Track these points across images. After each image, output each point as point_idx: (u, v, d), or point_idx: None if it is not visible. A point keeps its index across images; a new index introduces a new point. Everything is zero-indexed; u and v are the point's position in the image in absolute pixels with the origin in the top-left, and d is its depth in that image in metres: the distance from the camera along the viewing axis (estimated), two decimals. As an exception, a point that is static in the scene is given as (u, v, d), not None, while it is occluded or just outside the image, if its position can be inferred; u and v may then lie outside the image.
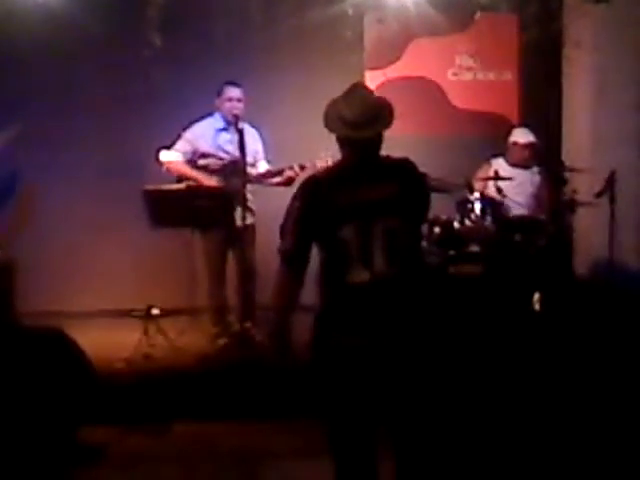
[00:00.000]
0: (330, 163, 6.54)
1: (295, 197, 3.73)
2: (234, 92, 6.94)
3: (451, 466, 4.72)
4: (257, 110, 7.15)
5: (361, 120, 3.65)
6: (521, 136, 7.80)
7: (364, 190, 3.64)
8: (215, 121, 7.03)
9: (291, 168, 6.82)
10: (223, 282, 7.04)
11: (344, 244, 3.61)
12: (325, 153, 6.47)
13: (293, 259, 3.72)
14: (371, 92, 3.82)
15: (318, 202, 3.66)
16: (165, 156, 6.98)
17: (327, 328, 3.67)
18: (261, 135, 7.19)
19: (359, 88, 3.83)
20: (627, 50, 7.93)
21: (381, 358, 3.59)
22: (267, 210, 6.44)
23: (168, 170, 6.95)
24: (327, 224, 3.64)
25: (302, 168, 6.75)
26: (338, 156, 3.82)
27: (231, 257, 6.99)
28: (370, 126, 3.68)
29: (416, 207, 3.79)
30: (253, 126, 7.12)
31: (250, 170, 6.86)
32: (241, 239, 6.81)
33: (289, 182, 6.77)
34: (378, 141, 3.74)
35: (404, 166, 3.80)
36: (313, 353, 3.71)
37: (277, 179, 6.95)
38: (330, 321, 3.67)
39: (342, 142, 3.75)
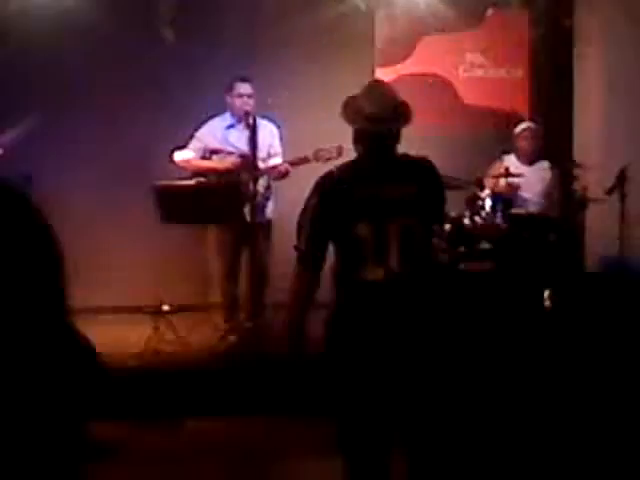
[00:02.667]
0: (333, 154, 6.59)
1: (312, 194, 3.72)
2: (244, 88, 6.95)
3: (463, 465, 4.72)
4: (268, 105, 7.15)
5: (380, 114, 3.64)
6: (519, 126, 7.85)
7: (381, 188, 3.63)
8: (224, 118, 7.06)
9: (295, 162, 6.86)
10: (236, 278, 7.06)
11: (359, 241, 3.61)
12: (330, 145, 6.52)
13: (309, 258, 3.70)
14: (391, 89, 3.81)
15: (334, 198, 3.65)
16: (178, 156, 7.03)
17: (340, 325, 3.67)
18: (280, 131, 7.20)
19: (380, 84, 3.84)
20: (638, 46, 7.90)
21: (394, 357, 3.58)
22: (285, 206, 6.45)
23: (184, 169, 7.01)
24: (342, 221, 3.63)
25: (303, 160, 6.78)
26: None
27: (244, 253, 7.00)
28: (389, 121, 3.67)
29: (432, 208, 3.79)
30: (272, 122, 7.14)
31: (261, 164, 6.87)
32: (254, 235, 6.81)
33: (283, 175, 6.89)
34: (395, 138, 3.73)
35: (424, 166, 3.79)
36: (326, 350, 3.70)
37: (275, 173, 6.96)
38: (344, 318, 3.67)
39: (359, 137, 3.73)
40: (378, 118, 3.64)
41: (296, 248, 3.73)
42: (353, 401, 3.65)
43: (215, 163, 6.91)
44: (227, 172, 6.81)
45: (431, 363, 3.65)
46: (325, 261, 3.71)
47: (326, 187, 3.71)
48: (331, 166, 3.92)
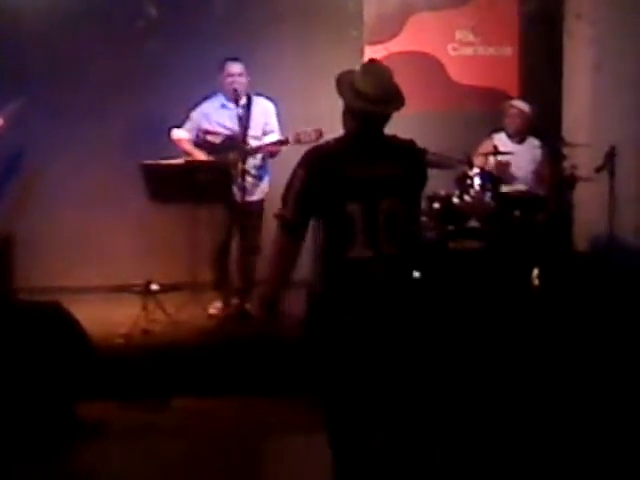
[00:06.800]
0: (312, 137, 6.57)
1: (299, 166, 3.71)
2: (234, 68, 6.97)
3: (447, 443, 4.73)
4: (257, 83, 7.13)
5: (381, 96, 3.65)
6: (507, 103, 7.88)
7: (373, 166, 3.64)
8: (217, 99, 7.10)
9: (275, 144, 6.88)
10: (226, 257, 7.09)
11: (348, 220, 3.60)
12: (309, 128, 6.52)
13: (293, 228, 3.70)
14: (389, 70, 3.80)
15: (325, 173, 3.64)
16: (174, 134, 7.13)
17: (328, 305, 3.66)
18: (277, 108, 7.17)
19: (378, 65, 3.83)
20: (627, 22, 7.89)
21: (379, 335, 3.58)
22: (278, 186, 6.42)
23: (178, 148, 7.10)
24: (332, 198, 3.62)
25: (283, 142, 6.80)
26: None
27: (235, 232, 7.01)
28: (389, 102, 3.68)
29: (415, 189, 3.82)
30: (269, 99, 7.13)
31: (254, 142, 6.88)
32: (244, 214, 6.81)
33: (272, 154, 6.95)
34: (388, 119, 3.74)
35: (410, 148, 3.82)
36: (310, 328, 3.70)
37: (263, 153, 6.98)
38: (329, 297, 3.66)
39: (353, 115, 3.72)
40: (380, 99, 3.65)
41: (279, 216, 3.71)
42: (338, 380, 3.65)
43: (197, 153, 6.97)
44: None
45: (419, 344, 3.66)
46: (307, 231, 3.71)
47: (314, 161, 3.70)
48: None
